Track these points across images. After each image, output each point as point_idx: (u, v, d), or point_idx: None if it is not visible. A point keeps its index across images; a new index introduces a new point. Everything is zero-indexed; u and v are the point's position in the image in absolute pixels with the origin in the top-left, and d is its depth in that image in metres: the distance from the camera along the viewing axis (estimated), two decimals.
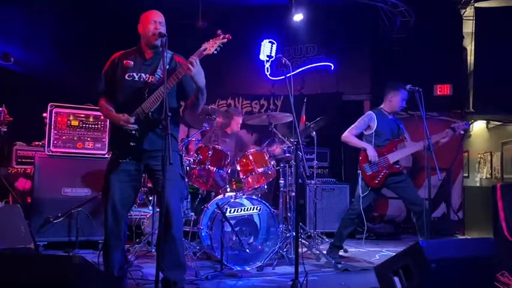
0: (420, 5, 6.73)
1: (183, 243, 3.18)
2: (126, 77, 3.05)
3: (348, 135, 4.52)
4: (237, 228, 4.02)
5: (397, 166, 4.40)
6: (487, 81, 6.77)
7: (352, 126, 4.55)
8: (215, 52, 2.93)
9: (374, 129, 4.45)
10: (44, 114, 4.56)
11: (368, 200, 4.40)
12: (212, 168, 4.29)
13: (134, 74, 3.06)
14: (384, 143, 4.44)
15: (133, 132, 2.95)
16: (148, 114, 2.94)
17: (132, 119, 2.93)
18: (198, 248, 4.40)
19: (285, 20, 7.19)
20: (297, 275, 2.98)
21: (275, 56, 7.57)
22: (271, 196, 5.52)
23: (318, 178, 5.81)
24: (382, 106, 4.58)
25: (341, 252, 4.66)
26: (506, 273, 3.37)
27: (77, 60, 6.45)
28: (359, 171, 4.43)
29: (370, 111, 4.62)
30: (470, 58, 7.16)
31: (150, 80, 3.03)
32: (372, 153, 4.36)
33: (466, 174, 8.58)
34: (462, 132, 4.34)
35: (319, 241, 5.17)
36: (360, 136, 4.54)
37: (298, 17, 7.04)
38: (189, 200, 4.53)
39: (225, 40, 2.94)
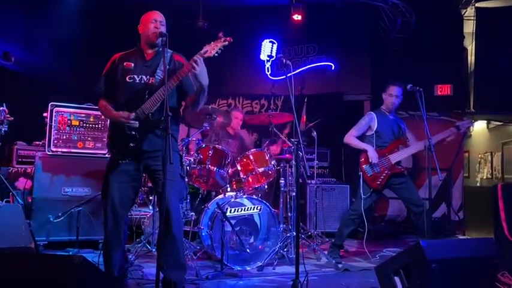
0: (421, 5, 6.72)
1: (183, 243, 3.18)
2: (127, 79, 3.05)
3: (349, 137, 4.51)
4: (237, 228, 4.02)
5: (399, 167, 4.38)
6: (487, 81, 6.77)
7: (353, 127, 4.53)
8: (216, 55, 2.92)
9: (375, 130, 4.43)
10: (45, 114, 4.56)
11: (369, 201, 4.39)
12: (212, 167, 4.29)
13: (135, 76, 3.05)
14: (385, 144, 4.42)
15: (133, 133, 2.95)
16: (149, 115, 2.94)
17: (133, 115, 2.93)
18: (198, 247, 4.40)
19: (286, 20, 7.18)
20: (298, 274, 2.97)
21: (275, 55, 7.56)
22: (272, 196, 5.52)
23: (318, 178, 5.81)
24: (382, 106, 4.58)
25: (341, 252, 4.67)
26: (506, 273, 3.37)
27: (77, 60, 6.45)
28: (360, 173, 4.42)
29: (371, 112, 4.61)
30: (471, 58, 7.16)
31: (150, 81, 3.03)
32: (372, 154, 4.34)
33: (467, 175, 8.59)
34: (466, 130, 4.34)
35: (320, 241, 5.17)
36: (362, 137, 4.53)
37: (298, 16, 7.05)
38: (189, 199, 4.53)
39: (226, 43, 2.93)
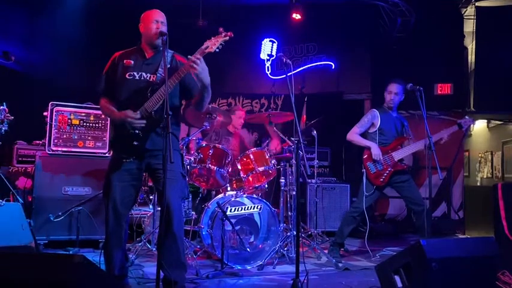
0: (421, 4, 6.72)
1: (183, 242, 3.18)
2: (127, 76, 3.06)
3: (352, 134, 4.51)
4: (237, 227, 4.02)
5: (402, 164, 4.39)
6: (487, 80, 6.78)
7: (356, 124, 4.54)
8: (217, 50, 2.91)
9: (377, 127, 4.44)
10: (45, 113, 4.56)
11: (371, 199, 4.40)
12: (213, 167, 4.29)
13: (135, 73, 3.06)
14: (388, 141, 4.43)
15: (137, 131, 2.95)
16: (151, 113, 2.94)
17: (139, 115, 2.93)
18: (198, 246, 4.41)
19: (286, 19, 7.18)
20: (298, 274, 2.98)
21: (276, 55, 7.55)
22: (272, 195, 5.52)
23: (318, 177, 5.81)
24: (384, 104, 4.59)
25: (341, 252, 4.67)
26: (507, 272, 3.37)
27: (78, 60, 6.45)
28: (363, 170, 4.42)
29: (374, 109, 4.61)
30: (471, 57, 7.17)
31: (152, 79, 3.03)
32: (376, 151, 4.34)
33: (467, 174, 8.59)
34: (467, 128, 4.35)
35: (320, 240, 5.18)
36: (365, 134, 4.53)
37: (297, 15, 7.05)
38: (189, 199, 4.53)
39: (227, 38, 2.92)
